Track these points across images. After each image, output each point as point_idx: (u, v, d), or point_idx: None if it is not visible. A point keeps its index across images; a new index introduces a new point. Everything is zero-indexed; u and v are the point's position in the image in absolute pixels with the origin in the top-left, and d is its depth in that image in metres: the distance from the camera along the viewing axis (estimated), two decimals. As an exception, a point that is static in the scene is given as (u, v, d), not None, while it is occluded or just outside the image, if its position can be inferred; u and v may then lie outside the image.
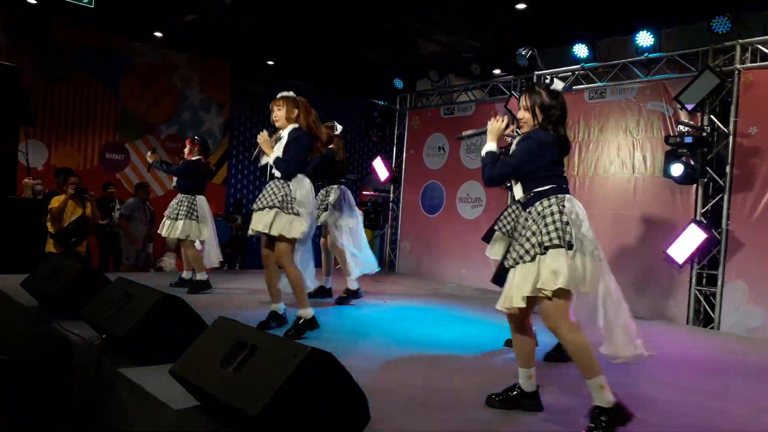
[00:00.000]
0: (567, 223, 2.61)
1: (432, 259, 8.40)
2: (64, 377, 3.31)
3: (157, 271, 8.86)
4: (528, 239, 2.65)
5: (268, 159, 4.13)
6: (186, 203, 5.71)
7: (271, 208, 4.00)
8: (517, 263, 2.68)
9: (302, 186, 4.10)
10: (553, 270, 2.56)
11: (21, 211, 6.70)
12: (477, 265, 7.60)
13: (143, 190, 8.65)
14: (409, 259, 8.79)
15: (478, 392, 3.02)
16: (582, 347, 2.58)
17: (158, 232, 5.98)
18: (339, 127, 5.51)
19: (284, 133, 4.15)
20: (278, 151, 4.09)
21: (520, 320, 2.78)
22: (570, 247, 2.57)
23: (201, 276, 5.67)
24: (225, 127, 10.96)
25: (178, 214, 5.67)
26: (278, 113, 4.17)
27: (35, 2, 8.05)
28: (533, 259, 2.62)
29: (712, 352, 4.75)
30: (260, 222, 4.03)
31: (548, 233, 2.60)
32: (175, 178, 5.87)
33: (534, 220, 2.68)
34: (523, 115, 2.84)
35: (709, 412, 3.16)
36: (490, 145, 2.84)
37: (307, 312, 4.11)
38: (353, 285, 5.63)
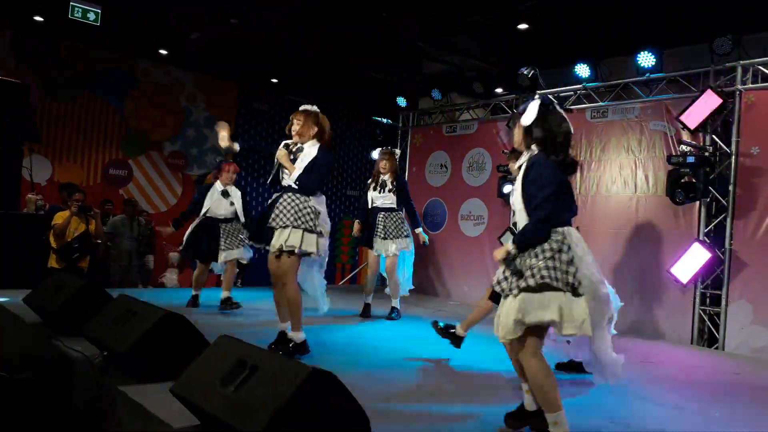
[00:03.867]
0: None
1: (435, 276, 8.38)
2: (65, 394, 3.29)
3: (158, 287, 8.85)
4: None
5: (288, 177, 3.98)
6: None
7: (296, 227, 3.88)
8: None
9: (322, 204, 4.04)
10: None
11: (24, 226, 6.72)
12: (480, 283, 7.58)
13: (130, 207, 8.52)
14: (412, 276, 8.74)
15: (482, 413, 2.98)
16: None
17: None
18: None
19: (306, 149, 4.02)
20: (300, 167, 3.95)
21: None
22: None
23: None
24: (229, 145, 11.00)
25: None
26: (296, 127, 4.04)
27: (42, 20, 8.14)
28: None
29: (717, 373, 4.72)
30: (290, 240, 3.87)
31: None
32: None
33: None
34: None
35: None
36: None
37: (299, 335, 3.97)
38: (398, 305, 6.17)
